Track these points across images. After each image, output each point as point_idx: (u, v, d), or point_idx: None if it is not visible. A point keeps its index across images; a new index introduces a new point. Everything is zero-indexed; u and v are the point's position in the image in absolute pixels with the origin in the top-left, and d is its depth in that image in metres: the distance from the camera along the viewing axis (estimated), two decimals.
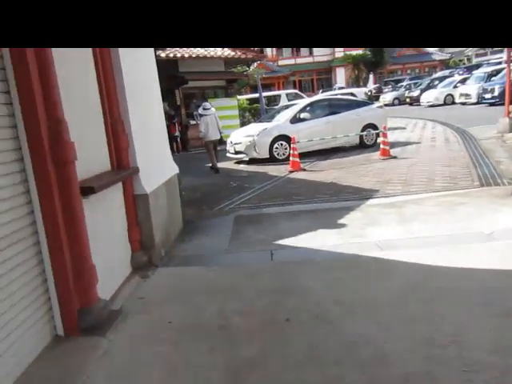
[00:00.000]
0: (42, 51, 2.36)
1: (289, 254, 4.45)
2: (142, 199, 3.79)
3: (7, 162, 2.27)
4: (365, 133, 12.00)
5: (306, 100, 13.72)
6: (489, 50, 38.56)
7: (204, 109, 10.75)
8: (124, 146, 3.59)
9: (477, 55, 40.16)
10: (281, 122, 11.73)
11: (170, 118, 15.47)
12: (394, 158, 9.92)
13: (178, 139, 15.73)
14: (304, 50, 46.01)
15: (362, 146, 12.07)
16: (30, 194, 2.41)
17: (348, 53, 38.88)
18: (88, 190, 2.72)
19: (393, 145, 11.06)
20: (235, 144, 11.81)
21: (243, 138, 11.65)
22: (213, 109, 10.92)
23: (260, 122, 13.33)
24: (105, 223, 3.25)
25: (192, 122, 15.81)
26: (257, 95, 20.58)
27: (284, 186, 8.31)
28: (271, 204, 6.91)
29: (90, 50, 3.34)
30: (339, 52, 42.84)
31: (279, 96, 24.36)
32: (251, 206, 6.98)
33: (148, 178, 3.95)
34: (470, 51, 40.42)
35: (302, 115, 11.63)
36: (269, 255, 4.45)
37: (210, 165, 10.84)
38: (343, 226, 5.28)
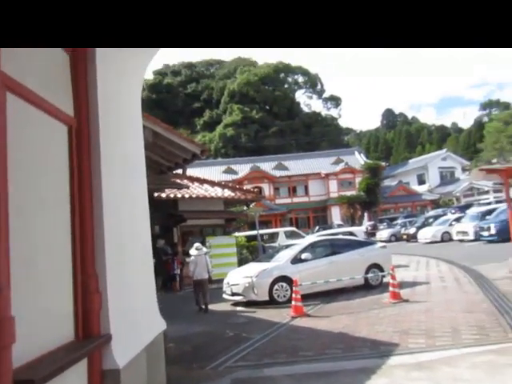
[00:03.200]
0: None
1: None
2: (112, 377, 2.89)
3: None
4: (371, 274, 11.44)
5: (307, 240, 13.46)
6: (476, 191, 40.41)
7: (196, 249, 10.90)
8: (95, 309, 2.85)
9: (465, 196, 41.89)
10: (281, 262, 11.22)
11: (167, 255, 15.00)
12: (406, 301, 9.14)
13: (177, 277, 14.94)
14: (300, 191, 48.10)
15: (367, 287, 11.39)
16: None
17: (343, 194, 40.71)
18: None
19: (400, 285, 10.33)
20: (232, 285, 11.10)
21: (241, 278, 10.99)
22: (204, 249, 11.23)
23: (259, 261, 12.79)
24: None
25: (188, 260, 15.31)
26: (255, 232, 20.46)
27: (287, 337, 7.32)
28: (274, 362, 5.89)
29: (67, 173, 2.86)
30: (334, 193, 44.82)
31: (277, 233, 24.38)
32: (250, 364, 5.94)
33: (123, 345, 3.09)
34: (458, 192, 42.25)
35: (304, 255, 11.16)
36: None
37: (203, 306, 10.67)
38: None
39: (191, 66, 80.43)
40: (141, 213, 3.68)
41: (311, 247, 11.67)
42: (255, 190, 21.81)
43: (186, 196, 15.04)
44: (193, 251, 10.96)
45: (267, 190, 45.72)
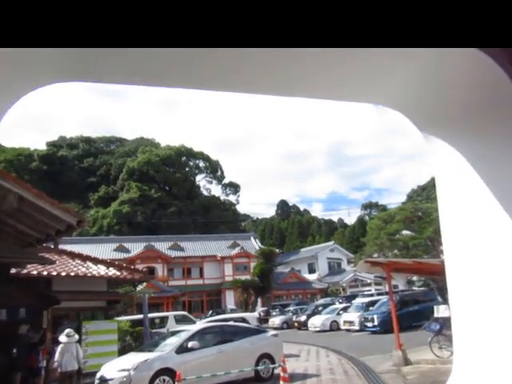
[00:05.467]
0: None
1: None
2: None
3: None
4: (261, 366, 10.84)
5: (196, 326, 12.60)
6: (359, 282, 43.15)
7: (67, 336, 9.87)
8: None
9: (350, 286, 44.38)
10: (165, 351, 10.13)
11: (31, 345, 12.70)
12: None
13: (42, 371, 12.50)
14: (195, 273, 46.64)
15: (257, 379, 10.78)
16: None
17: (237, 278, 40.37)
18: None
19: (291, 377, 9.88)
20: (105, 381, 9.64)
21: (116, 372, 9.58)
22: (76, 336, 10.25)
23: (141, 350, 11.42)
24: None
25: (56, 349, 13.14)
26: (141, 316, 18.69)
27: None
28: None
29: None
30: (229, 276, 44.21)
31: (167, 318, 22.70)
32: None
33: None
34: (344, 283, 44.60)
35: (191, 344, 10.23)
36: None
37: None
38: None
39: (90, 141, 78.14)
40: None
41: (200, 334, 10.83)
42: (145, 270, 20.46)
43: (63, 274, 13.32)
44: (63, 338, 9.83)
45: (161, 270, 43.64)
